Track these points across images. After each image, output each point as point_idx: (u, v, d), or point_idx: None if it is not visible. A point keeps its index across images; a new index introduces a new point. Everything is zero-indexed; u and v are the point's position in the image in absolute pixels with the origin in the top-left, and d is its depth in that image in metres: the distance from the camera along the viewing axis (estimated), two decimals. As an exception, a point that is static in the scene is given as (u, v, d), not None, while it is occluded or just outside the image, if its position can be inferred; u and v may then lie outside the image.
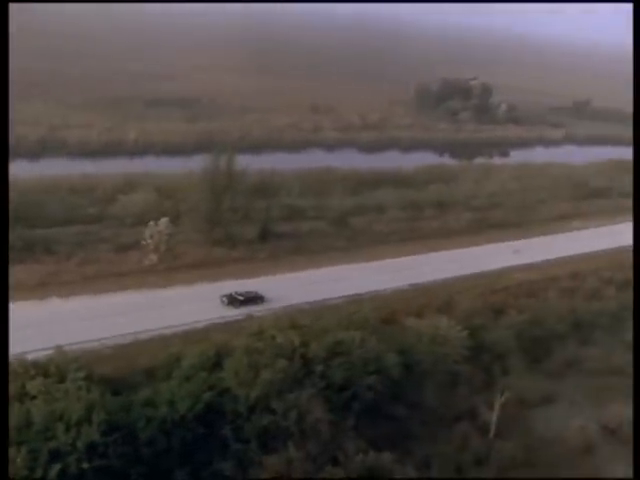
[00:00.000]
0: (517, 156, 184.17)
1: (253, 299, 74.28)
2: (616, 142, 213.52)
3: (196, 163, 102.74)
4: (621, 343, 73.96)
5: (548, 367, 68.32)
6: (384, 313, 71.10)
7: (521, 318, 73.34)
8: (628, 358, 70.01)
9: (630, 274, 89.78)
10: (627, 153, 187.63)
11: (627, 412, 59.04)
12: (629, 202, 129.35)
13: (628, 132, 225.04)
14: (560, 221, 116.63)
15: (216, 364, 53.69)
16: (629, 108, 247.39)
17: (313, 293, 76.11)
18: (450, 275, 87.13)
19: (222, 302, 72.97)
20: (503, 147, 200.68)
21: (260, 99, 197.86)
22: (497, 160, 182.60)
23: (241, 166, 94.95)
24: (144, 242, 78.65)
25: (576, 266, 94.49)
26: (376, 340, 58.22)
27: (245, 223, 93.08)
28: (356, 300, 75.82)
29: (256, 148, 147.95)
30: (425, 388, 59.07)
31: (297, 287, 77.60)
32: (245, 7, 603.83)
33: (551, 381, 65.82)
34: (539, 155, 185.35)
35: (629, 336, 75.10)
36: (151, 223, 79.24)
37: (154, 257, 79.43)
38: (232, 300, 73.02)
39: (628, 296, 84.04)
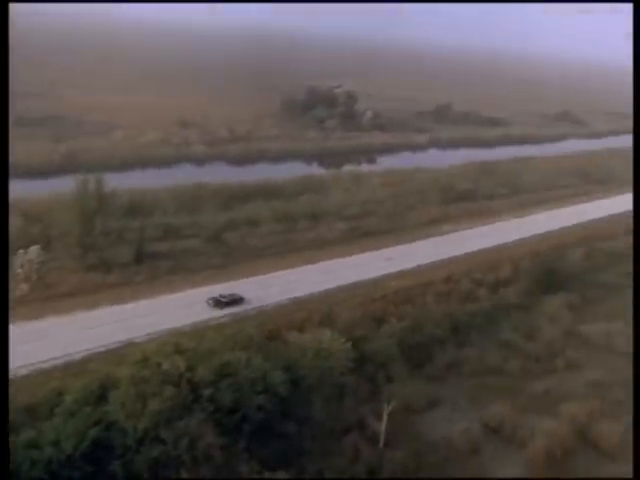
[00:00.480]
0: (384, 162, 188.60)
1: (237, 301, 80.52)
2: (476, 144, 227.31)
3: (63, 184, 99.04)
4: (496, 343, 77.65)
5: (430, 372, 70.34)
6: (267, 329, 71.14)
7: (401, 325, 75.06)
8: (503, 357, 74.44)
9: (500, 274, 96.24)
10: (486, 155, 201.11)
11: (506, 410, 62.68)
12: (493, 204, 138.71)
13: (486, 134, 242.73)
14: (430, 226, 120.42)
15: (101, 397, 51.94)
16: (487, 111, 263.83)
17: (192, 315, 75.07)
18: (328, 287, 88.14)
19: (208, 304, 78.90)
20: (370, 154, 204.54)
21: (128, 115, 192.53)
22: (365, 167, 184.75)
23: (110, 186, 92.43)
24: (14, 272, 73.74)
25: (449, 269, 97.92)
26: (262, 358, 58.12)
27: (119, 246, 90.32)
28: (239, 318, 75.69)
29: (124, 166, 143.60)
30: (313, 403, 59.45)
31: (175, 309, 76.43)
32: (129, 22, 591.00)
33: (434, 385, 67.85)
34: (406, 160, 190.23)
35: (503, 335, 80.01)
36: (20, 251, 75.33)
37: (25, 287, 75.44)
38: (217, 302, 79.16)
39: (499, 296, 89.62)
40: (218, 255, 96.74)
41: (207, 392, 52.98)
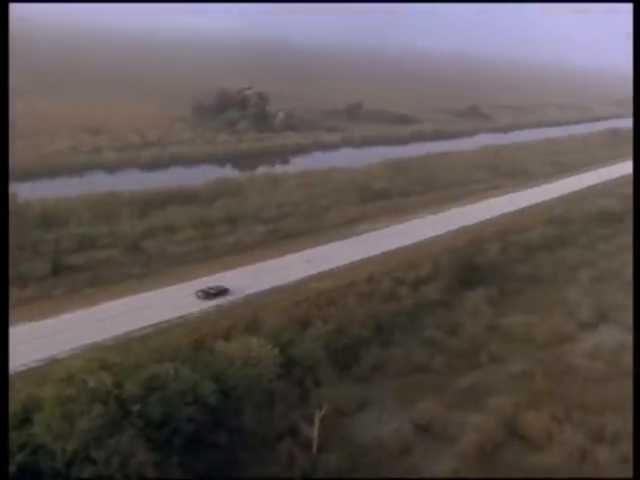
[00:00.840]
0: (299, 163, 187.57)
1: (222, 292, 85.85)
2: (389, 142, 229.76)
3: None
4: (420, 341, 78.14)
5: (357, 373, 70.02)
6: (194, 339, 69.37)
7: (326, 328, 74.56)
8: (429, 354, 74.79)
9: (420, 272, 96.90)
10: (399, 152, 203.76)
11: (435, 408, 63.08)
12: (409, 201, 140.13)
13: (398, 131, 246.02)
14: (348, 226, 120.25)
15: (25, 420, 49.34)
16: (398, 108, 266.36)
17: (114, 327, 72.43)
18: (250, 292, 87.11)
19: (197, 297, 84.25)
20: (284, 155, 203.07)
21: (35, 123, 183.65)
22: (279, 168, 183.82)
23: (21, 197, 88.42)
24: None
25: (369, 269, 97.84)
26: (190, 369, 56.57)
27: (35, 259, 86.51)
28: (164, 328, 73.70)
29: (32, 175, 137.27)
30: (244, 411, 58.41)
31: (96, 322, 73.67)
32: (30, 27, 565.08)
33: (362, 387, 67.64)
34: (319, 160, 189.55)
35: (427, 333, 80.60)
36: None
37: None
38: (207, 294, 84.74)
39: (420, 294, 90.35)
40: (137, 264, 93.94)
41: (136, 407, 51.12)
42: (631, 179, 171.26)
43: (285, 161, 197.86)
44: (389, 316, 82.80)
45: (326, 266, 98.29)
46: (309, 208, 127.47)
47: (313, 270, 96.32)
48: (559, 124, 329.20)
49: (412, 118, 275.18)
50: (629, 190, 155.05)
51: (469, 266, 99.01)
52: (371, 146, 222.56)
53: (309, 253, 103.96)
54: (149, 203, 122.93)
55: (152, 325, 74.79)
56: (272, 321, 75.59)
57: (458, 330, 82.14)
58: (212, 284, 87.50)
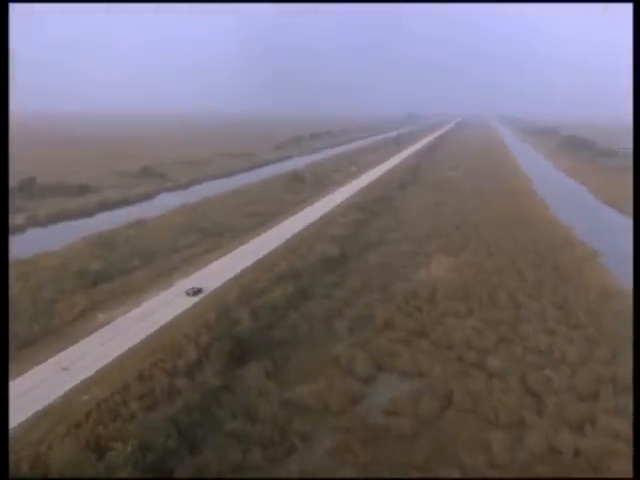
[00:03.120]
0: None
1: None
2: (77, 215, 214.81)
3: None
4: (225, 436, 71.61)
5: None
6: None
7: (129, 449, 64.78)
8: (241, 450, 68.49)
9: (189, 358, 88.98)
10: (93, 225, 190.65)
11: None
12: (133, 279, 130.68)
13: (81, 202, 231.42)
14: (86, 318, 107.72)
15: None
16: (72, 176, 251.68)
17: None
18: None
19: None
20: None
21: None
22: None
23: None
24: None
25: (135, 366, 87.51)
26: None
27: None
28: None
29: None
30: None
31: None
32: None
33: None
34: (14, 246, 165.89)
35: (228, 426, 73.76)
36: None
37: None
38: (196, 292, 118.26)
39: (200, 382, 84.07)
40: None
41: None
42: (328, 219, 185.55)
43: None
44: (183, 415, 75.71)
45: (87, 371, 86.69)
46: (31, 304, 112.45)
47: (74, 379, 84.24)
48: (234, 173, 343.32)
49: (91, 186, 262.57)
50: (334, 231, 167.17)
51: (232, 340, 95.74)
52: (58, 223, 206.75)
53: (60, 359, 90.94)
54: None
55: None
56: (57, 462, 63.76)
57: (254, 414, 77.87)
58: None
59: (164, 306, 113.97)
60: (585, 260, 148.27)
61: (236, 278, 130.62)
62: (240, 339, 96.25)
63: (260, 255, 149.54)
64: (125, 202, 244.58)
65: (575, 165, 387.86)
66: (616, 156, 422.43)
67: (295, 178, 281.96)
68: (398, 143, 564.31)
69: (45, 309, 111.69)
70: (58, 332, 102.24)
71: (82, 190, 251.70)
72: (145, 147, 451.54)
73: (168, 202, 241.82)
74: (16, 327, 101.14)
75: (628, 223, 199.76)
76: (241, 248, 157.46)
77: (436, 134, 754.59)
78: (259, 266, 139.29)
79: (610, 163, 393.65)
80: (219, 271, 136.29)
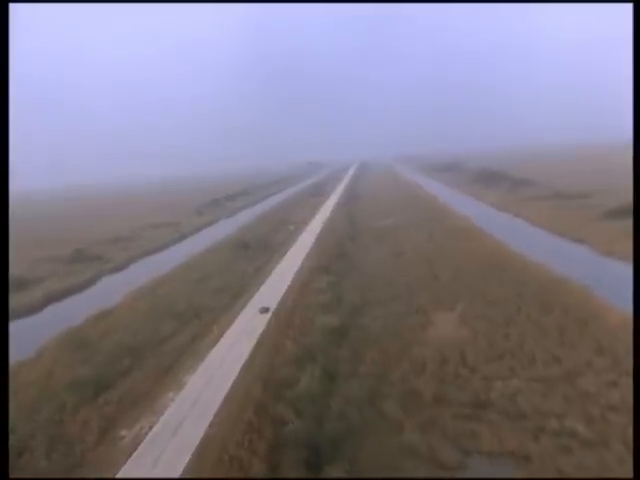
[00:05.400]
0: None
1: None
2: (25, 311, 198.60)
3: None
4: None
5: None
6: None
7: None
8: None
9: None
10: (43, 321, 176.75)
11: None
12: (135, 388, 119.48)
13: (26, 297, 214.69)
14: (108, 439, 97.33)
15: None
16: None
17: None
18: None
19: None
20: None
21: None
22: None
23: None
24: None
25: None
26: None
27: None
28: None
29: None
30: None
31: None
32: None
33: None
34: None
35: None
36: None
37: None
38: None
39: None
40: None
41: None
42: (299, 286, 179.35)
43: None
44: None
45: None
46: (37, 430, 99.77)
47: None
48: (167, 245, 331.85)
49: (27, 278, 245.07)
50: (314, 299, 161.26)
51: (297, 447, 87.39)
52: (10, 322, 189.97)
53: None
54: None
55: None
56: None
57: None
58: None
59: (189, 411, 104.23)
60: (584, 295, 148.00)
61: (248, 367, 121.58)
62: (308, 444, 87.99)
63: (256, 335, 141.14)
64: (71, 291, 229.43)
65: (499, 198, 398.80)
66: (533, 185, 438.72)
67: (239, 245, 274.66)
68: (315, 195, 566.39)
69: (56, 435, 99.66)
70: (88, 462, 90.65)
71: (21, 284, 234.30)
72: (67, 226, 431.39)
73: (117, 286, 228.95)
74: (37, 465, 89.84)
75: (587, 252, 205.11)
76: (230, 330, 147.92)
77: (346, 181, 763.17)
78: (263, 349, 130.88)
79: (529, 192, 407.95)
80: (224, 361, 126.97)
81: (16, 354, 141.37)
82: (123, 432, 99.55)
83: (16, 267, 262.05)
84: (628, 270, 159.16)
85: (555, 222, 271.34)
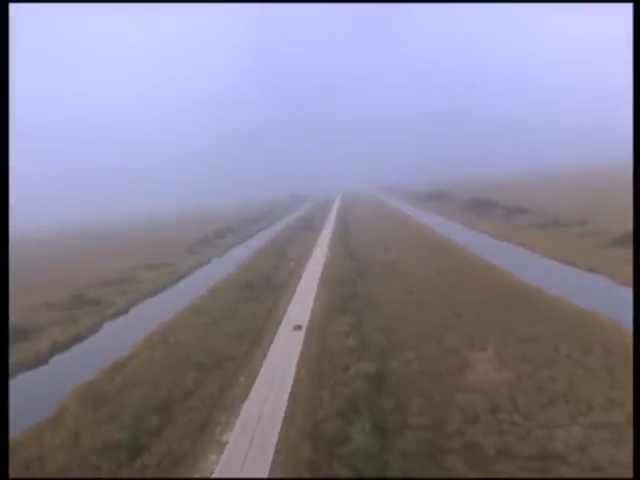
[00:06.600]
0: None
1: None
2: (30, 364, 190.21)
3: None
4: None
5: None
6: None
7: None
8: None
9: None
10: (47, 378, 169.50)
11: None
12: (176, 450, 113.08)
13: (25, 352, 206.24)
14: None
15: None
16: None
17: None
18: None
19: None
20: None
21: None
22: None
23: None
24: None
25: None
26: None
27: None
28: None
29: None
30: None
31: None
32: None
33: None
34: None
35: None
36: None
37: None
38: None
39: None
40: None
41: None
42: (318, 329, 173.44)
43: None
44: None
45: None
46: None
47: None
48: (165, 286, 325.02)
49: (27, 328, 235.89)
50: (337, 344, 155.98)
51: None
52: (16, 376, 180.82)
53: None
54: None
55: None
56: None
57: None
58: None
59: (239, 475, 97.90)
60: (618, 329, 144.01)
61: (289, 423, 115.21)
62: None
63: (287, 386, 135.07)
64: (75, 340, 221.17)
65: (494, 227, 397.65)
66: (526, 212, 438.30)
67: (243, 285, 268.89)
68: (306, 230, 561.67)
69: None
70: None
71: (22, 334, 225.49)
72: (60, 268, 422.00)
73: (121, 333, 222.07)
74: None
75: (603, 282, 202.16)
76: (259, 380, 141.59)
77: (334, 214, 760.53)
78: (301, 401, 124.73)
79: (524, 220, 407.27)
80: (261, 416, 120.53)
81: (33, 412, 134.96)
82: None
83: (13, 314, 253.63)
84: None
85: (561, 251, 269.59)
